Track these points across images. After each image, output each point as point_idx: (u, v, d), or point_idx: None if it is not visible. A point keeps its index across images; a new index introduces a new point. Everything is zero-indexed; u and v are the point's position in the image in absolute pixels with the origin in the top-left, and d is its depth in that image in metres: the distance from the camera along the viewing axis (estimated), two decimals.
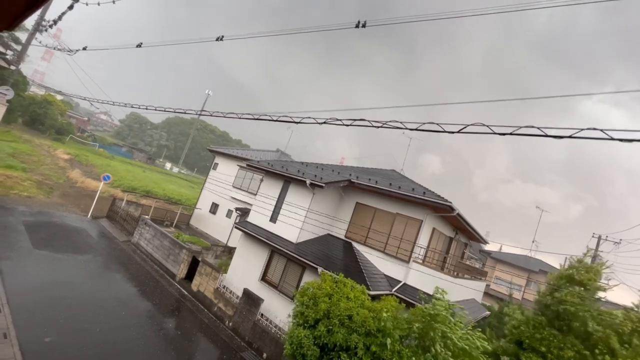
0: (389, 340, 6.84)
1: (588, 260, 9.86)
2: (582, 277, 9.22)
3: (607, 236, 21.60)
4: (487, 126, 3.90)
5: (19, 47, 17.21)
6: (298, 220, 12.88)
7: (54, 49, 13.02)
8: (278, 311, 12.17)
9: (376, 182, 13.35)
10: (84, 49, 12.44)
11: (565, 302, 8.73)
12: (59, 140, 44.55)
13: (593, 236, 21.64)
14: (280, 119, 5.53)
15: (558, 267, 10.09)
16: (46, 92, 54.84)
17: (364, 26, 6.08)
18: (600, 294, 9.32)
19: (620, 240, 20.92)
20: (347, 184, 13.66)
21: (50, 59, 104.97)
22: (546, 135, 3.76)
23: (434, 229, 12.99)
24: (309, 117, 5.27)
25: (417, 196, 11.90)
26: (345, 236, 13.74)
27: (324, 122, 5.10)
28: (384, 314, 7.25)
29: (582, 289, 9.10)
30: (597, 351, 7.88)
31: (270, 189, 14.40)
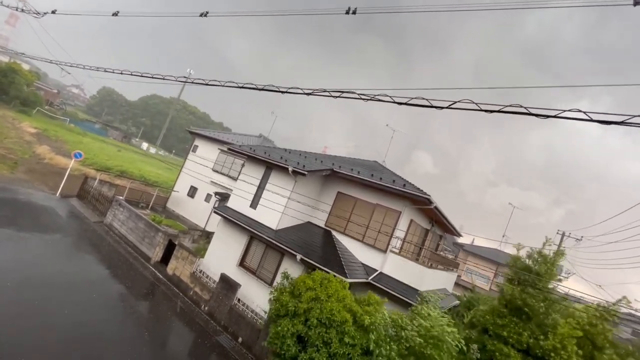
0: (371, 335, 7.10)
1: (548, 251, 10.40)
2: (540, 268, 9.80)
3: (569, 233, 23.02)
4: (475, 103, 3.95)
5: None
6: (279, 207, 12.82)
7: (18, 9, 11.90)
8: (255, 296, 12.21)
9: (358, 172, 13.44)
10: (53, 12, 11.52)
11: (525, 293, 9.30)
12: (24, 112, 41.72)
13: (557, 233, 23.01)
14: (265, 88, 5.34)
15: (526, 261, 10.58)
16: (11, 59, 50.88)
17: (354, 13, 5.98)
18: (555, 283, 9.95)
19: (582, 237, 22.35)
20: (330, 172, 13.68)
21: (16, 23, 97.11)
22: (530, 114, 3.82)
23: (411, 221, 13.31)
24: (296, 87, 5.12)
25: (397, 188, 12.10)
26: (326, 224, 13.84)
27: (311, 93, 4.98)
28: (368, 319, 7.43)
29: (538, 277, 9.66)
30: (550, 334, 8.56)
31: (252, 175, 14.20)
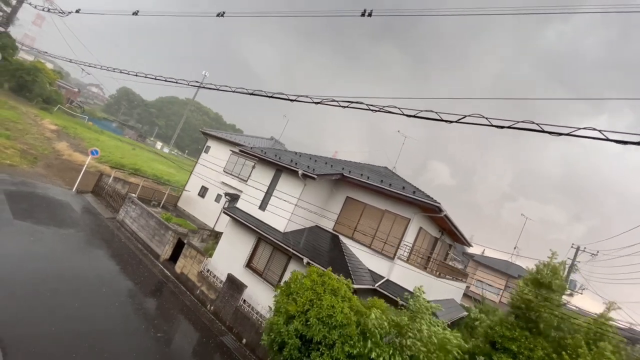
0: (369, 342, 6.99)
1: (555, 262, 10.08)
2: (545, 279, 9.53)
3: (585, 247, 22.29)
4: (486, 118, 3.86)
5: (8, 9, 16.46)
6: (287, 210, 12.86)
7: (45, 9, 12.46)
8: (261, 298, 12.22)
9: (368, 177, 13.39)
10: (77, 11, 11.98)
11: (531, 305, 9.04)
12: (46, 109, 43.14)
13: (572, 247, 22.30)
14: (275, 95, 5.42)
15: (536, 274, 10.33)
16: (36, 57, 52.88)
17: (369, 15, 6.02)
18: (565, 298, 9.62)
19: (597, 252, 21.61)
20: (339, 177, 13.67)
21: (42, 24, 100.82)
22: (542, 131, 3.68)
23: (420, 228, 13.15)
24: (305, 96, 5.18)
25: (407, 195, 12.00)
26: (334, 229, 13.80)
27: (320, 102, 5.03)
28: (371, 320, 7.32)
29: (547, 291, 9.38)
30: (564, 353, 8.20)
31: (262, 177, 14.30)
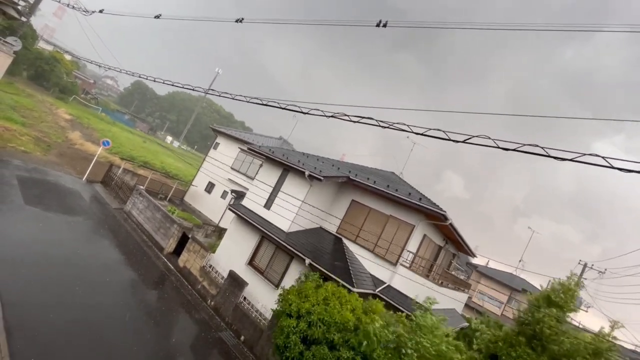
0: (364, 342, 7.04)
1: (571, 282, 9.96)
2: (558, 298, 9.41)
3: (592, 264, 21.86)
4: (492, 139, 3.91)
5: (32, 0, 16.92)
6: (292, 210, 12.90)
7: (69, 6, 12.84)
8: (261, 296, 12.27)
9: (374, 182, 13.36)
10: (101, 11, 12.28)
11: (543, 322, 8.90)
12: (62, 99, 44.08)
13: (579, 263, 21.90)
14: (288, 107, 5.49)
15: (539, 288, 10.25)
16: (54, 48, 54.12)
17: (384, 26, 6.03)
18: (572, 316, 9.53)
19: (605, 270, 21.18)
20: (345, 180, 13.67)
21: (63, 16, 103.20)
22: (548, 156, 3.76)
23: (424, 236, 13.06)
24: (317, 110, 5.23)
25: (412, 201, 11.93)
26: (337, 232, 13.79)
27: (332, 116, 5.07)
28: (373, 329, 7.41)
29: (558, 310, 9.26)
30: None
31: (268, 176, 14.38)
